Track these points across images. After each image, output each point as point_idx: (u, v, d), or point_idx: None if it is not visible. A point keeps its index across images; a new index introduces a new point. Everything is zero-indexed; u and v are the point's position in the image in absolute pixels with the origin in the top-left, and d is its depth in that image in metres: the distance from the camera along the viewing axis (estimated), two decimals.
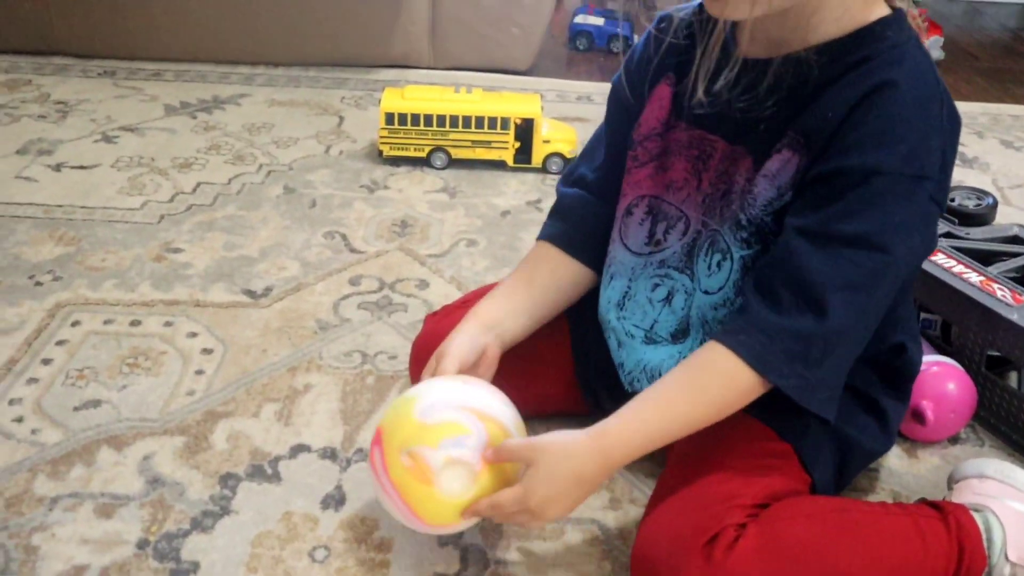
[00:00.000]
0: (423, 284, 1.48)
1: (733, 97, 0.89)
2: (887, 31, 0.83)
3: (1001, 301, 1.22)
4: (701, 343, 0.91)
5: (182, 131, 2.00)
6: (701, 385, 0.84)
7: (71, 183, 1.76)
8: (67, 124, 2.00)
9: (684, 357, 0.89)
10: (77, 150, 1.89)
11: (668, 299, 0.97)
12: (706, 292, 0.93)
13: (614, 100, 1.05)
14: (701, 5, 0.92)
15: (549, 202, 1.77)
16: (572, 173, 1.10)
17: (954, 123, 0.85)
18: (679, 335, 0.96)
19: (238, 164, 1.86)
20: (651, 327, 0.98)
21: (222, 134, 2.00)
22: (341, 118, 2.10)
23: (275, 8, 2.34)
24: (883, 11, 0.85)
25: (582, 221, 1.06)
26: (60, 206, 1.67)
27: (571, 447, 0.84)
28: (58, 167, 1.82)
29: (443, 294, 1.45)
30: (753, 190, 0.87)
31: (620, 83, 1.01)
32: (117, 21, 2.35)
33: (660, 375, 0.94)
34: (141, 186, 1.76)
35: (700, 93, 0.89)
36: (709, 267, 0.92)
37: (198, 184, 1.77)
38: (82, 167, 1.82)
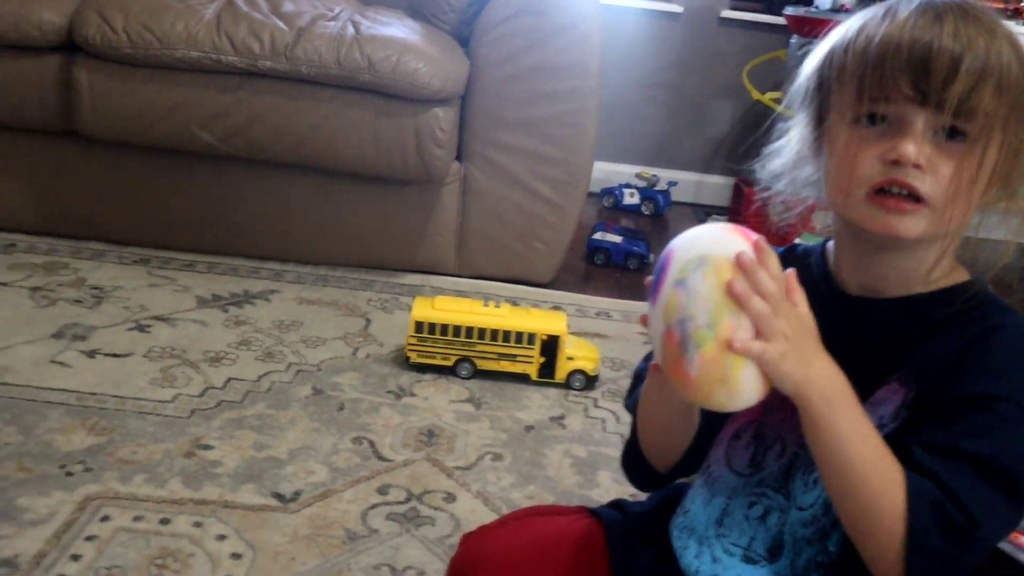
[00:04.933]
0: (450, 497, 1.49)
1: (836, 332, 0.93)
2: (985, 287, 0.92)
3: None
4: (792, 564, 0.94)
5: (213, 324, 2.06)
6: (883, 460, 0.84)
7: (104, 371, 1.79)
8: (101, 310, 2.05)
9: None
10: (111, 337, 1.93)
11: (763, 517, 1.00)
12: (799, 508, 0.96)
13: None
14: (784, 253, 0.99)
15: (572, 419, 1.83)
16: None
17: None
18: (774, 552, 0.98)
19: (268, 361, 1.90)
20: (748, 545, 1.00)
21: (252, 329, 2.05)
22: (368, 320, 2.16)
23: (307, 208, 2.44)
24: (966, 276, 0.93)
25: None
26: (93, 394, 1.69)
27: None
28: (92, 354, 1.85)
29: (469, 509, 1.46)
30: None
31: None
32: (155, 210, 2.44)
33: None
34: (172, 378, 1.79)
35: None
36: (806, 484, 0.95)
37: (228, 380, 1.81)
38: (115, 355, 1.86)
